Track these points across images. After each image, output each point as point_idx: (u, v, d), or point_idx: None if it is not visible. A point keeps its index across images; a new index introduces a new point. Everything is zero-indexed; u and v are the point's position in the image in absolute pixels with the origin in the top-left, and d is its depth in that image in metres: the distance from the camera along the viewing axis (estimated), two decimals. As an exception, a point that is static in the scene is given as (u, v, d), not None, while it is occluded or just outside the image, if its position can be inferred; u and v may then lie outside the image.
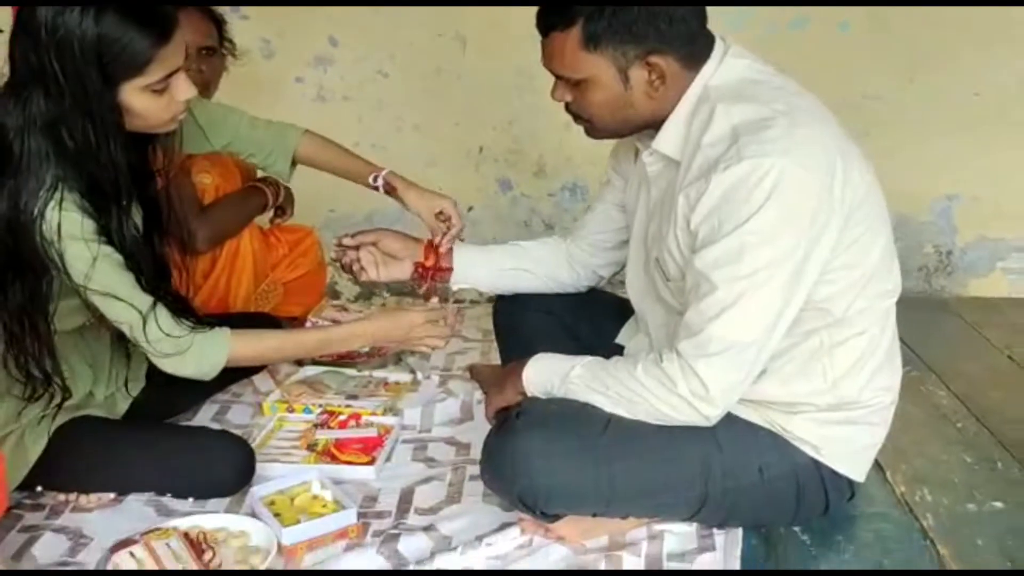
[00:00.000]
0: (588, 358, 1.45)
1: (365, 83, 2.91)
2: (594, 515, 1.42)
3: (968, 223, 2.94)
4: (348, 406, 1.92)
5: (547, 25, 1.36)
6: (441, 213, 1.74)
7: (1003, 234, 2.95)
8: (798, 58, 2.72)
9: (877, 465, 1.72)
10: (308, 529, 1.47)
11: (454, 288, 1.77)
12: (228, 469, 1.61)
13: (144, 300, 1.49)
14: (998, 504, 1.60)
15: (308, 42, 2.88)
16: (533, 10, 1.40)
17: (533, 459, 1.34)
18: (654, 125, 1.41)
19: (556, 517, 1.42)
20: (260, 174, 2.22)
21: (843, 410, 1.42)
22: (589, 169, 2.91)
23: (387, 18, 2.82)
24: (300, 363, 2.15)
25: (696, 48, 1.36)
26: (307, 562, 1.44)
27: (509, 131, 2.97)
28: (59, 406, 1.58)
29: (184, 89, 1.46)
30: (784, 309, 1.30)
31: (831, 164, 1.29)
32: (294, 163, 1.86)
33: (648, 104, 1.38)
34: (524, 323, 1.77)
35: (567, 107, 1.46)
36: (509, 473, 1.37)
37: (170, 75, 1.44)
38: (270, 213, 2.29)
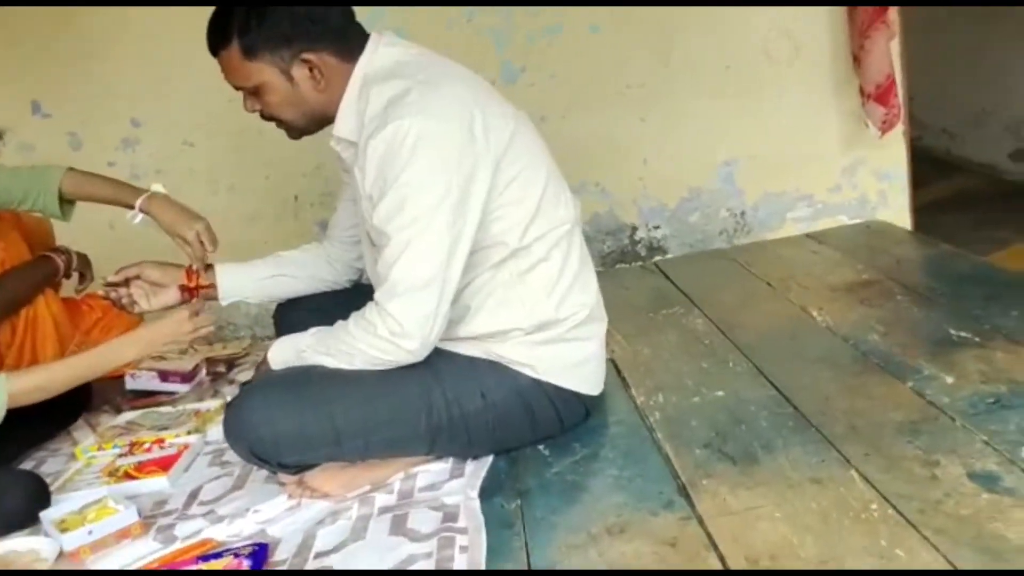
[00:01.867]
0: (317, 328, 1.62)
1: (174, 156, 3.08)
2: (330, 459, 1.58)
3: (751, 183, 3.21)
4: (156, 436, 2.05)
5: (213, 47, 1.57)
6: (192, 239, 1.89)
7: (783, 187, 3.22)
8: (559, 61, 3.05)
9: (623, 383, 1.92)
10: (87, 532, 1.59)
11: (224, 304, 1.93)
12: (20, 501, 1.72)
13: None
14: (719, 393, 1.81)
15: (112, 128, 3.05)
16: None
17: (253, 414, 1.51)
18: (333, 116, 1.61)
19: (300, 469, 1.58)
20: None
21: (546, 330, 1.61)
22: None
23: (182, 91, 3.00)
24: (119, 410, 2.27)
25: (348, 42, 1.57)
26: (90, 562, 1.56)
27: (319, 175, 3.16)
28: None
29: None
30: (454, 245, 1.49)
31: (468, 115, 1.50)
32: (70, 202, 1.99)
33: (318, 97, 1.58)
34: (297, 323, 1.92)
35: (261, 115, 1.65)
36: (238, 431, 1.53)
37: None
38: (74, 283, 2.42)
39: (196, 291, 1.88)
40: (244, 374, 2.45)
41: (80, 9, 2.90)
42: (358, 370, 1.54)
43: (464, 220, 1.49)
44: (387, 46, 1.60)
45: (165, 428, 2.10)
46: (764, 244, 3.03)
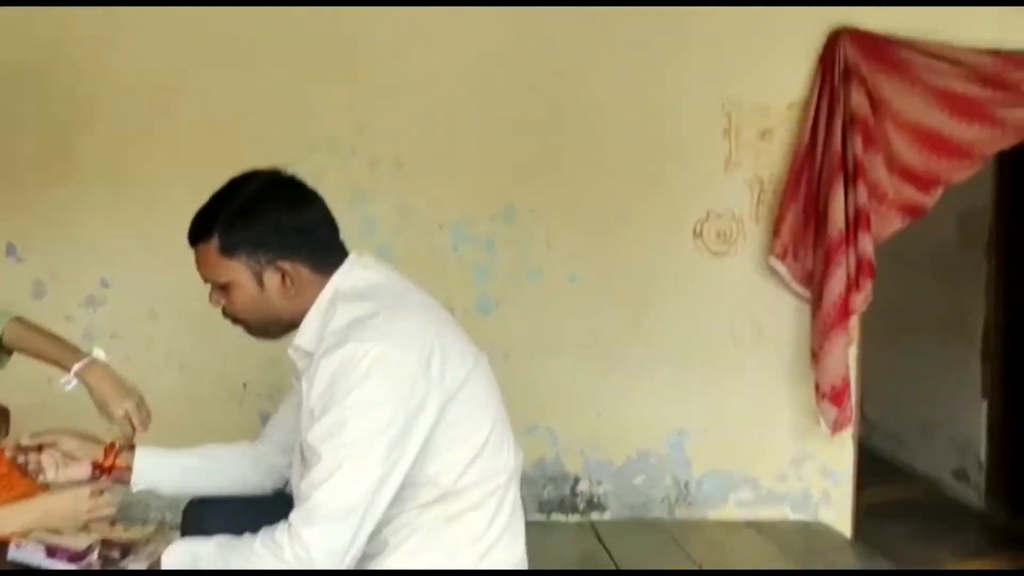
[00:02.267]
0: (221, 536, 1.52)
1: (135, 322, 3.05)
2: None
3: (699, 456, 3.20)
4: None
5: (193, 237, 1.59)
6: (125, 413, 1.82)
7: (731, 466, 3.21)
8: (534, 303, 3.13)
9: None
10: None
11: (134, 490, 1.82)
12: None
13: None
14: None
15: (81, 284, 3.04)
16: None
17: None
18: (297, 324, 1.61)
19: None
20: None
21: (463, 583, 1.52)
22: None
23: (159, 262, 3.02)
24: None
25: (326, 257, 1.60)
26: None
27: (273, 367, 3.11)
28: None
29: None
30: (385, 477, 1.44)
31: (427, 348, 1.49)
32: (7, 351, 1.91)
33: (285, 304, 1.58)
34: (207, 523, 1.82)
35: (224, 311, 1.64)
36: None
37: None
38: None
39: (109, 470, 1.79)
40: (137, 564, 2.28)
41: (75, 159, 2.97)
42: (256, 595, 1.43)
43: (401, 453, 1.45)
44: (364, 268, 1.62)
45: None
46: (704, 524, 2.99)
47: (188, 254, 3.00)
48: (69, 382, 1.85)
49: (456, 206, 3.11)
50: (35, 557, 2.15)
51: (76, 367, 1.83)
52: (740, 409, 3.18)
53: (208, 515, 1.84)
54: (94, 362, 1.85)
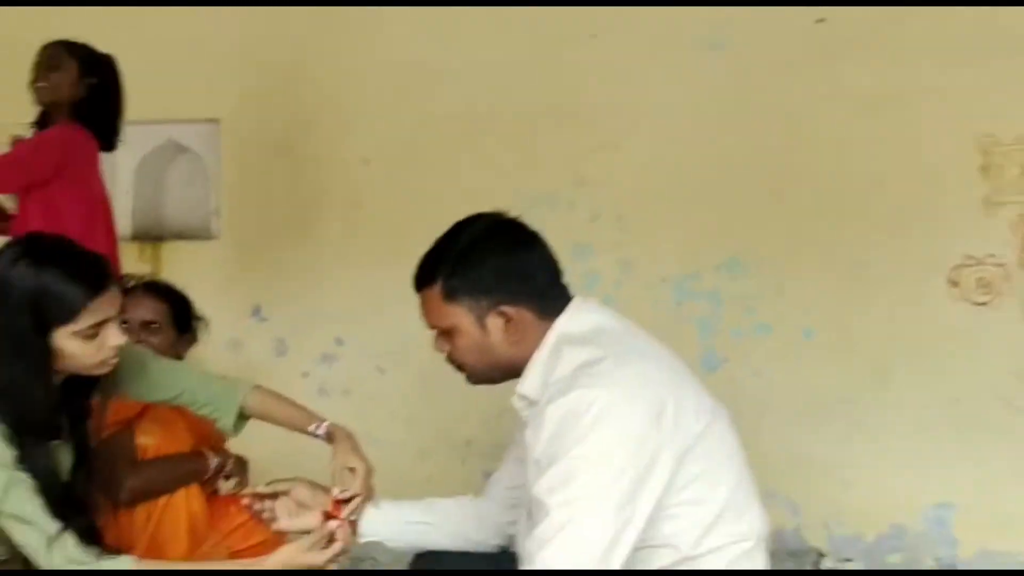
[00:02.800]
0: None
1: (364, 378, 3.15)
2: None
3: (968, 535, 2.81)
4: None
5: (418, 283, 1.57)
6: (352, 470, 1.82)
7: (1009, 546, 2.79)
8: (765, 360, 2.91)
9: None
10: None
11: (360, 541, 1.81)
12: None
13: (52, 526, 1.58)
14: None
15: (317, 342, 3.18)
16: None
17: None
18: (520, 370, 1.54)
19: None
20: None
21: (703, 658, 1.36)
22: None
23: (389, 320, 3.10)
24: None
25: (549, 301, 1.53)
26: None
27: (498, 425, 3.09)
28: None
29: (114, 337, 1.65)
30: (618, 536, 1.32)
31: (659, 399, 1.37)
32: (245, 417, 2.00)
33: (508, 349, 1.52)
34: (432, 581, 1.78)
35: (448, 357, 1.61)
36: None
37: (100, 323, 1.64)
38: (231, 483, 2.42)
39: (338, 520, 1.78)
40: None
41: (316, 225, 3.14)
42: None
43: (634, 510, 1.33)
44: (589, 311, 1.54)
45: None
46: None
47: (414, 313, 3.10)
48: (319, 427, 1.87)
49: (679, 258, 2.99)
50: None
51: (324, 424, 1.87)
52: (1015, 478, 2.76)
53: (434, 569, 1.80)
54: (335, 425, 1.88)
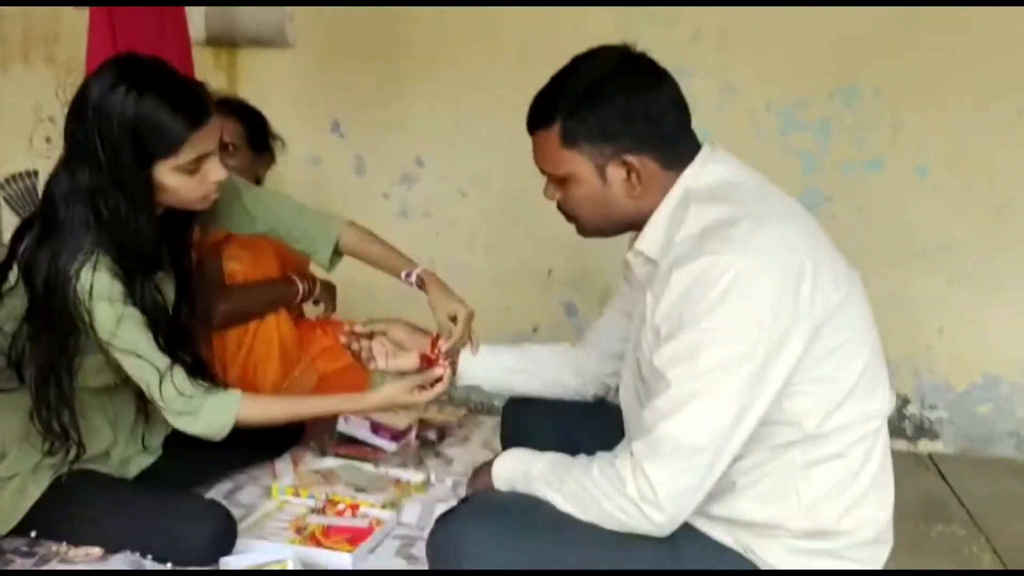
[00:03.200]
0: (554, 454, 1.42)
1: (445, 202, 3.05)
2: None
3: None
4: (352, 497, 1.93)
5: (532, 124, 1.42)
6: (455, 318, 1.77)
7: (1108, 403, 2.69)
8: (872, 198, 2.73)
9: (886, 618, 1.56)
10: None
11: (458, 385, 1.78)
12: (206, 538, 1.64)
13: (162, 360, 1.59)
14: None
15: (397, 162, 3.06)
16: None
17: (468, 544, 1.31)
18: (638, 225, 1.42)
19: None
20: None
21: (820, 539, 1.31)
22: (653, 298, 2.90)
23: (471, 141, 2.96)
24: (323, 453, 2.19)
25: (676, 150, 1.38)
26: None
27: (578, 257, 3.01)
28: (72, 463, 1.67)
29: (215, 171, 1.60)
30: (742, 414, 1.24)
31: (797, 267, 1.25)
32: (339, 254, 1.95)
33: (628, 202, 1.39)
34: (526, 426, 1.75)
35: (558, 206, 1.49)
36: (444, 555, 1.34)
37: (202, 157, 1.57)
38: (319, 308, 2.40)
39: (435, 363, 1.75)
40: (453, 449, 2.31)
41: (399, 42, 2.94)
42: (588, 524, 1.31)
43: (761, 388, 1.24)
44: (719, 163, 1.38)
45: (362, 490, 1.98)
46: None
47: (498, 136, 2.93)
48: (411, 274, 1.81)
49: (786, 84, 2.74)
50: (360, 431, 2.23)
51: (417, 271, 1.83)
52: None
53: (527, 416, 1.77)
54: (427, 270, 1.83)
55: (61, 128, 1.61)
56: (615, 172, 1.37)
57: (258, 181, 2.35)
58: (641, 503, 1.25)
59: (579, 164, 1.37)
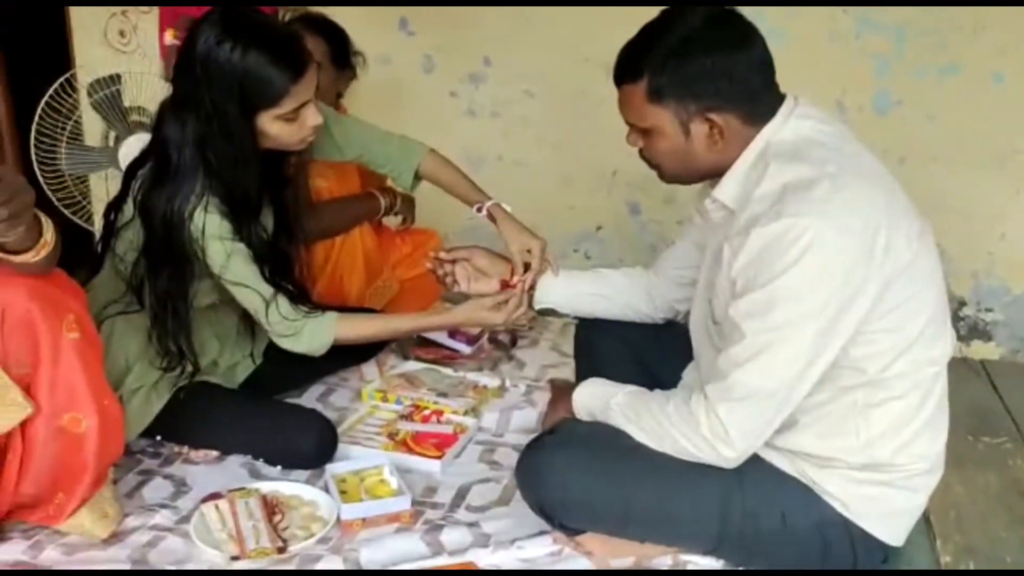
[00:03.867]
0: (632, 387, 1.54)
1: (512, 101, 3.07)
2: (609, 534, 1.51)
3: None
4: (435, 403, 2.09)
5: (619, 78, 1.46)
6: (529, 251, 1.87)
7: None
8: (943, 104, 2.71)
9: (929, 530, 1.70)
10: (365, 509, 1.65)
11: (535, 308, 1.90)
12: (312, 445, 1.82)
13: (267, 289, 1.75)
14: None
15: (465, 60, 3.08)
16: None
17: (551, 473, 1.46)
18: (718, 174, 1.48)
19: (579, 532, 1.53)
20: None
21: (875, 471, 1.43)
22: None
23: (538, 40, 2.96)
24: (406, 357, 2.35)
25: (758, 106, 1.42)
26: (360, 537, 1.62)
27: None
28: (189, 378, 1.85)
29: (312, 117, 1.71)
30: (810, 364, 1.34)
31: (873, 229, 1.31)
32: (420, 178, 2.06)
33: (709, 156, 1.45)
34: (598, 347, 1.88)
35: (640, 153, 1.55)
36: (530, 484, 1.50)
37: (301, 105, 1.67)
38: (398, 219, 2.52)
39: (514, 288, 1.86)
40: (524, 352, 2.45)
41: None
42: (663, 455, 1.45)
43: (829, 340, 1.33)
44: (800, 117, 1.42)
45: (444, 395, 2.14)
46: None
47: (565, 36, 2.92)
48: (482, 208, 1.91)
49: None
50: (439, 335, 2.38)
51: (488, 204, 1.93)
52: None
53: (598, 337, 1.89)
54: (499, 204, 1.92)
55: (133, 22, 1.70)
56: (698, 128, 1.42)
57: (339, 96, 2.41)
58: (714, 440, 1.38)
59: (664, 119, 1.43)
